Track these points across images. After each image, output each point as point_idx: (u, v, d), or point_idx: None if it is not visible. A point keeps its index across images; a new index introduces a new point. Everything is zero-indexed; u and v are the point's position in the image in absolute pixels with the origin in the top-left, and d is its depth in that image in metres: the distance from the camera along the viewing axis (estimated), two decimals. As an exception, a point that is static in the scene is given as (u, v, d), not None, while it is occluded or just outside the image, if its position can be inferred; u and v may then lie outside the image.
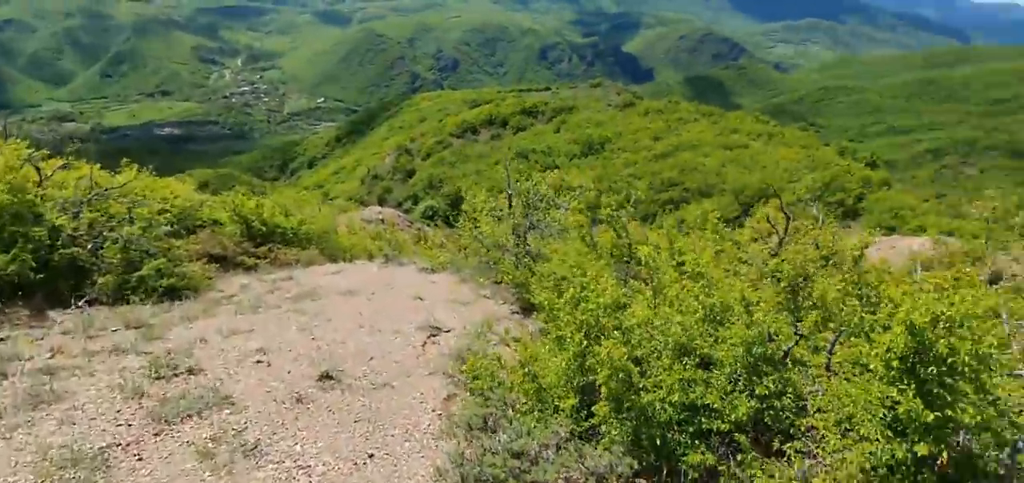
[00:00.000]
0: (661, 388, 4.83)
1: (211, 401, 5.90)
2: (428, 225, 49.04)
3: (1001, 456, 3.61)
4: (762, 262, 7.38)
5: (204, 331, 8.01)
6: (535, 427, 4.98)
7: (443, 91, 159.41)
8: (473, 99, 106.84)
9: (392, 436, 5.62)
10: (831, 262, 7.12)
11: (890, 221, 36.76)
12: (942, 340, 3.53)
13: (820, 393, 4.78)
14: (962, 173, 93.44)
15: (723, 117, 75.15)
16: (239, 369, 6.91)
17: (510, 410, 5.42)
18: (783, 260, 7.05)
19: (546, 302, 6.61)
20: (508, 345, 8.30)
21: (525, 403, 5.47)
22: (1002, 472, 3.59)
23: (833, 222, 9.18)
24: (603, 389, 4.83)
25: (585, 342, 5.52)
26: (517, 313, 10.49)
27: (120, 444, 5.19)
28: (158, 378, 6.37)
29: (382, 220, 34.11)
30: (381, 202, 67.11)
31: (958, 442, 3.72)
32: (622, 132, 69.38)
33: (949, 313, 3.55)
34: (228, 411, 5.80)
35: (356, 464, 5.11)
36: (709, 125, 69.46)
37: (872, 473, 3.68)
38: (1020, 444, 3.62)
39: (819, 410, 4.45)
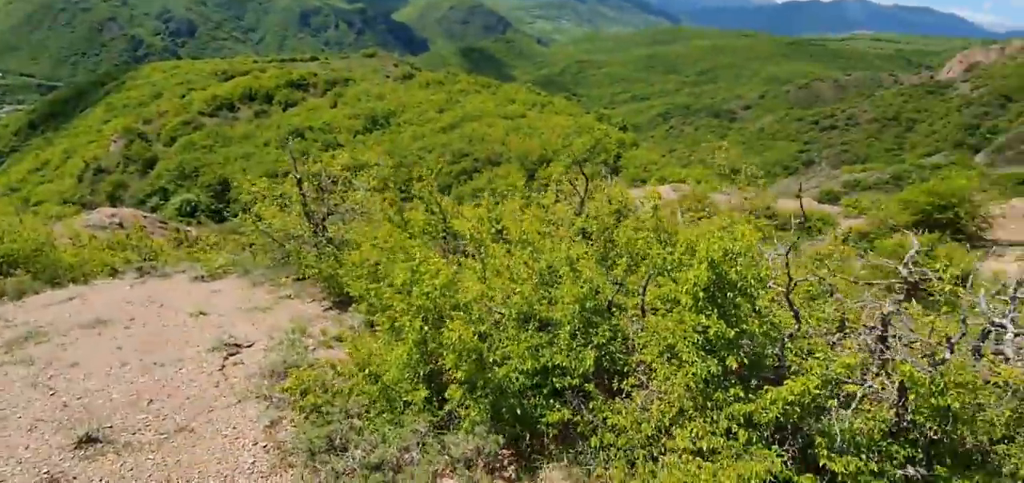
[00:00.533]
0: (512, 358, 4.87)
1: None
2: (188, 223, 41.62)
3: (775, 351, 4.63)
4: (569, 222, 8.03)
5: None
6: (388, 431, 4.56)
7: (181, 60, 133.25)
8: (224, 70, 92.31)
9: (206, 491, 4.56)
10: (624, 214, 8.10)
11: (642, 174, 44.95)
12: (733, 270, 4.32)
13: (640, 330, 5.41)
14: (683, 132, 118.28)
15: (500, 88, 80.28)
16: (-64, 465, 4.80)
17: (355, 420, 4.86)
18: (589, 217, 7.75)
19: (373, 292, 6.09)
20: (330, 347, 7.50)
21: (375, 408, 4.96)
22: (777, 364, 4.61)
23: (618, 180, 10.51)
24: (459, 372, 4.66)
25: (425, 327, 5.25)
26: (331, 309, 9.56)
27: None
28: None
29: (120, 224, 27.67)
30: (114, 201, 54.30)
31: (744, 349, 4.62)
32: (406, 105, 68.54)
33: (735, 247, 4.34)
34: (-72, 533, 3.97)
35: (163, 542, 4.00)
36: (489, 96, 73.40)
37: (694, 389, 4.34)
38: (785, 340, 4.70)
39: (644, 346, 5.05)
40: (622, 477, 4.21)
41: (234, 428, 5.46)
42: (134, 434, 5.31)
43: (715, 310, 4.32)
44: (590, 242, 6.98)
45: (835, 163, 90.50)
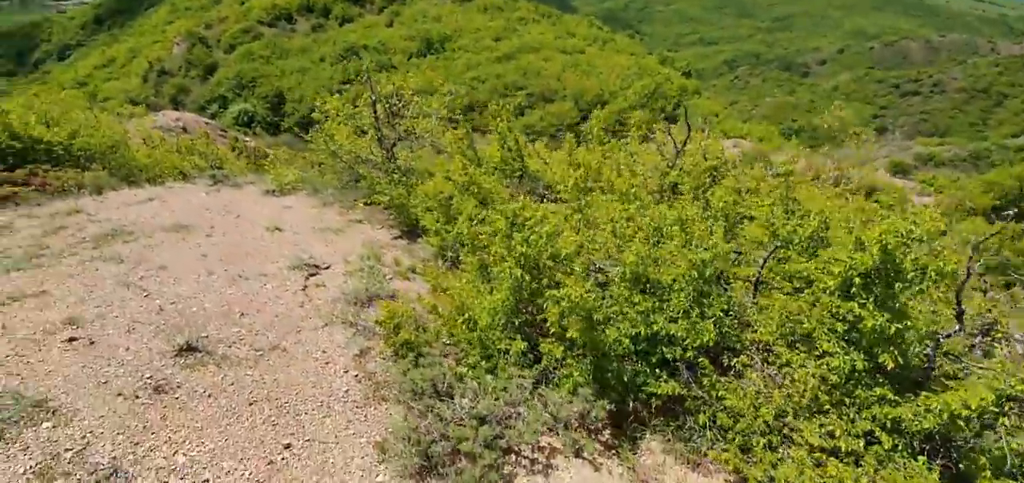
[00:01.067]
0: (621, 321, 4.57)
1: (16, 411, 4.09)
2: (244, 133, 42.53)
3: (926, 350, 4.17)
4: (661, 173, 7.49)
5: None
6: (488, 381, 4.39)
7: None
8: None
9: (306, 414, 4.54)
10: (719, 173, 7.49)
11: (700, 125, 42.55)
12: (908, 258, 3.80)
13: (751, 305, 4.99)
14: (749, 83, 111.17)
15: (561, 20, 76.53)
16: (43, 355, 4.96)
17: (449, 361, 4.71)
18: (682, 171, 7.18)
19: (466, 232, 5.83)
20: (407, 279, 7.40)
21: (473, 355, 4.80)
22: (925, 364, 4.16)
23: (716, 132, 9.76)
24: (572, 331, 4.39)
25: (524, 276, 4.98)
26: (400, 238, 9.46)
27: None
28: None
29: (184, 129, 28.43)
30: (177, 105, 55.51)
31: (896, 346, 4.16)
32: (462, 29, 66.43)
33: (917, 232, 3.80)
34: (50, 423, 4.09)
35: (271, 462, 4.01)
36: (549, 27, 70.18)
37: (831, 382, 3.94)
38: (941, 341, 4.22)
39: (761, 324, 4.64)
40: (737, 463, 3.94)
41: (323, 352, 5.44)
42: (230, 347, 5.35)
43: (871, 299, 3.84)
44: (681, 200, 6.47)
45: (910, 133, 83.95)
